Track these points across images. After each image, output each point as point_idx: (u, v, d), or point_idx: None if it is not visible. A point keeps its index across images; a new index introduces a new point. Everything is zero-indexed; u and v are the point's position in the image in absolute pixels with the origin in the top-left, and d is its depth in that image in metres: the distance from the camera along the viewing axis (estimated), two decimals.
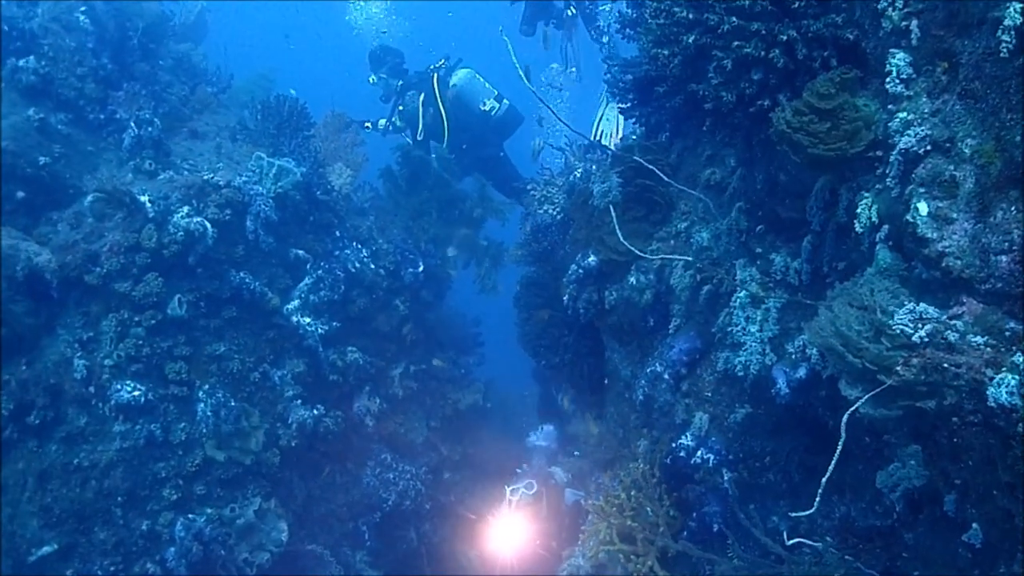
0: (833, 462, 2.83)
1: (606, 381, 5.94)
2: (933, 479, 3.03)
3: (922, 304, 2.70)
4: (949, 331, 2.59)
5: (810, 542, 3.70)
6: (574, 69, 8.67)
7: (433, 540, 8.34)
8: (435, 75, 8.46)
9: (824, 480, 2.86)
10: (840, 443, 2.82)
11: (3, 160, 6.19)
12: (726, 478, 4.37)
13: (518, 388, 10.52)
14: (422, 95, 8.46)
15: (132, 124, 6.70)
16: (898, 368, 2.60)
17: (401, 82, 8.64)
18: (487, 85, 8.53)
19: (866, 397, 2.71)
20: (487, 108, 8.39)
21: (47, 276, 5.79)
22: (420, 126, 8.42)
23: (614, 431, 5.85)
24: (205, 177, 6.47)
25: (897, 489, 3.20)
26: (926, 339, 2.60)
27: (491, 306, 9.67)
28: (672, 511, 4.79)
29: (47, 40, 6.91)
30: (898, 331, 2.65)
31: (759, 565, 3.80)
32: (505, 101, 8.51)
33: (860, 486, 3.80)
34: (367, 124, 8.77)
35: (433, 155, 8.52)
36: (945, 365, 2.53)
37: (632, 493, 4.97)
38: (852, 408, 2.76)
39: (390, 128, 8.71)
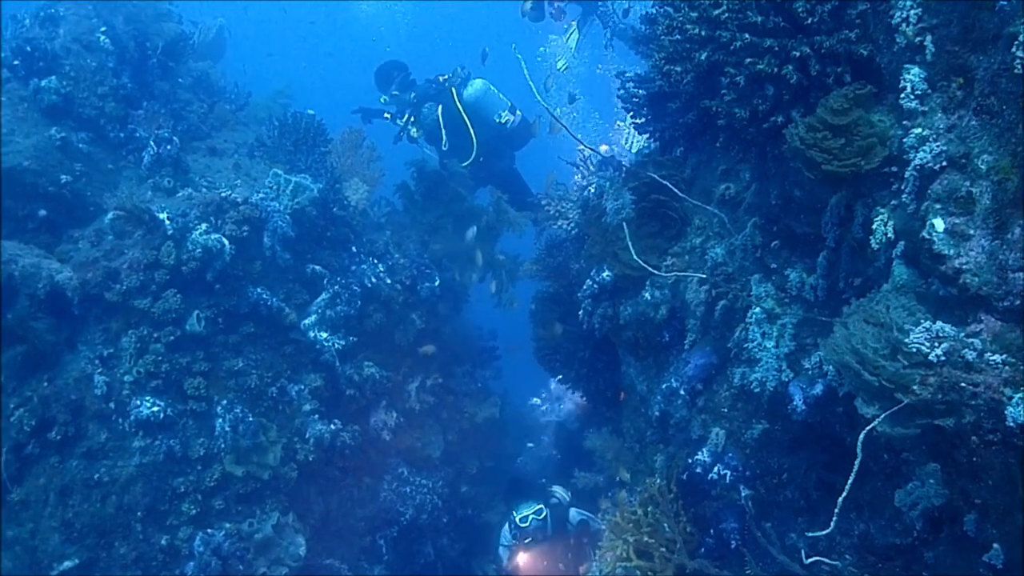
0: (850, 481, 2.80)
1: (622, 396, 5.93)
2: (953, 498, 2.99)
3: (939, 322, 2.68)
4: (967, 349, 2.57)
5: (828, 560, 3.66)
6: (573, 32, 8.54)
7: (450, 554, 8.32)
8: (452, 88, 8.48)
9: (841, 499, 2.84)
10: (857, 462, 2.80)
11: (26, 179, 6.30)
12: (743, 494, 4.35)
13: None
14: (440, 107, 8.48)
15: (151, 142, 6.78)
16: (915, 387, 2.58)
17: (414, 95, 8.66)
18: (501, 96, 8.55)
19: (883, 416, 2.69)
20: (503, 120, 8.41)
21: (68, 294, 5.86)
22: (444, 139, 8.43)
23: (631, 446, 5.83)
24: (223, 194, 6.53)
25: (916, 508, 3.16)
26: (943, 357, 2.58)
27: (508, 319, 9.70)
28: (689, 527, 4.76)
29: (68, 60, 7.03)
30: (914, 349, 2.63)
31: None
32: (518, 112, 8.53)
33: (879, 503, 3.77)
34: (387, 115, 8.75)
35: (447, 170, 8.55)
36: (963, 384, 2.51)
37: (649, 509, 4.94)
38: (869, 427, 2.74)
39: (403, 136, 8.69)
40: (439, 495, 8.03)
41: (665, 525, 4.84)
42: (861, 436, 2.77)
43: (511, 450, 9.53)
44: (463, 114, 8.34)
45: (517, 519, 6.54)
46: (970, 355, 2.57)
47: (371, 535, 7.75)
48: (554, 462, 8.71)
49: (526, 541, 6.55)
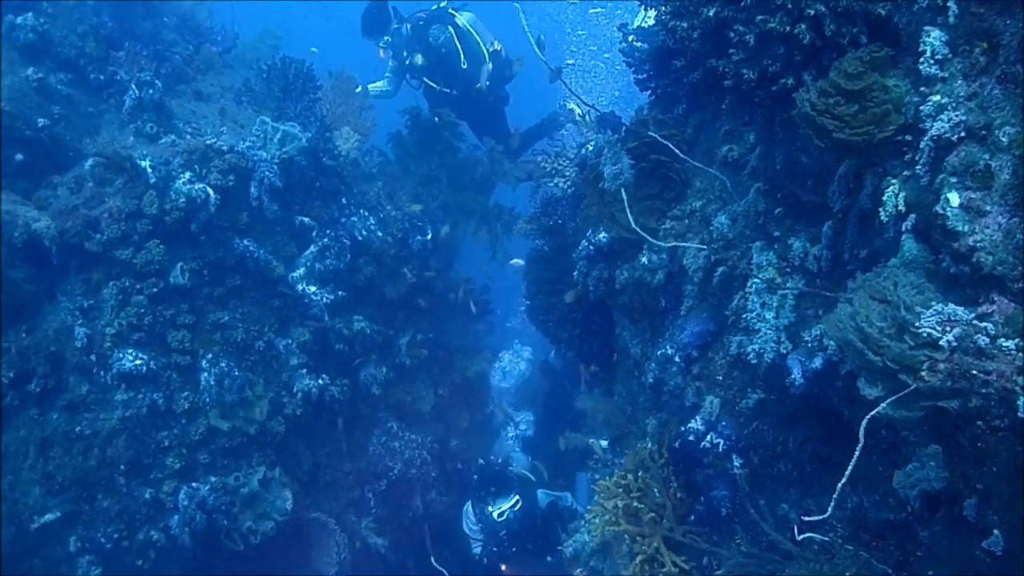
0: (849, 468, 2.71)
1: (615, 357, 5.83)
2: (953, 481, 2.90)
3: (951, 305, 2.55)
4: (979, 335, 2.44)
5: (820, 536, 3.60)
6: None
7: (439, 508, 8.32)
8: (452, 11, 8.23)
9: (840, 485, 2.74)
10: (859, 448, 2.69)
11: (2, 122, 6.06)
12: (736, 464, 4.27)
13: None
14: (450, 27, 8.20)
15: (133, 86, 6.53)
16: (923, 373, 2.46)
17: (408, 24, 8.33)
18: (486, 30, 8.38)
19: (887, 402, 2.57)
20: (497, 48, 8.22)
21: (46, 243, 5.68)
22: (462, 56, 8.16)
23: (622, 408, 5.75)
24: (208, 142, 6.31)
25: (915, 489, 3.07)
26: (955, 343, 2.46)
27: (502, 274, 9.58)
28: (680, 493, 4.70)
29: None
30: (925, 334, 2.51)
31: (767, 560, 3.71)
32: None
33: (875, 478, 3.68)
34: (381, 48, 8.49)
35: (442, 119, 8.31)
36: (974, 372, 2.39)
37: (640, 474, 4.88)
38: (872, 412, 2.63)
39: (396, 71, 8.34)
40: (428, 450, 8.00)
41: (655, 490, 4.78)
42: (864, 422, 2.66)
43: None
44: (474, 33, 8.08)
45: (494, 514, 6.48)
46: (983, 341, 2.44)
47: (359, 488, 7.72)
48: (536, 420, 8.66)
49: (502, 534, 6.51)
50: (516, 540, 6.55)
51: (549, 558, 6.55)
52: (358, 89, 8.14)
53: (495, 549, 6.55)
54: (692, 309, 4.48)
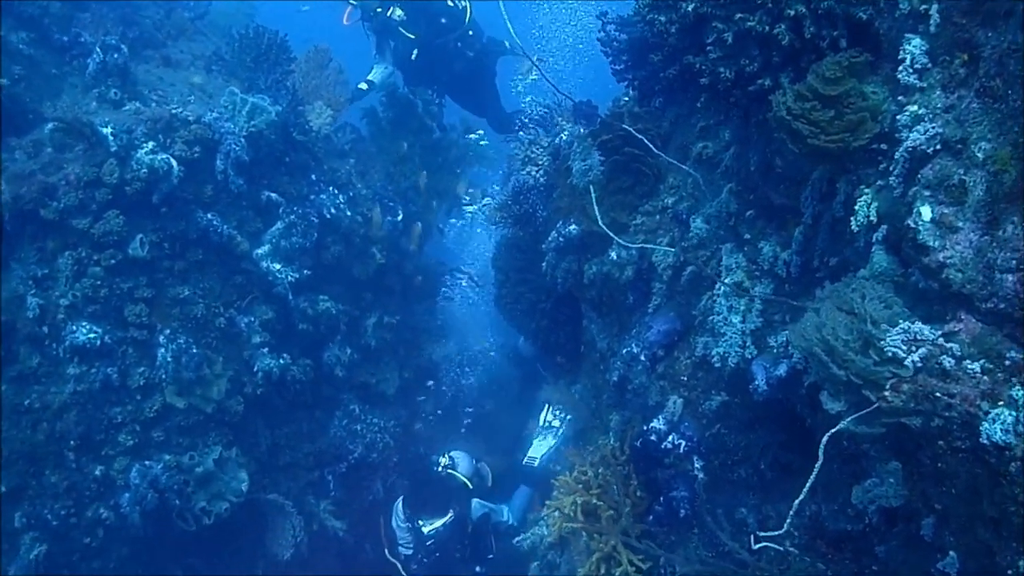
0: (808, 483, 2.65)
1: (582, 349, 5.76)
2: (912, 499, 2.86)
3: (917, 323, 2.49)
4: (944, 356, 2.38)
5: (776, 546, 3.56)
6: None
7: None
8: None
9: (797, 503, 2.68)
10: (817, 465, 2.63)
11: None
12: (697, 466, 4.23)
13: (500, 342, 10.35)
14: None
15: (98, 49, 6.30)
16: (886, 393, 2.40)
17: None
18: None
19: (850, 419, 2.52)
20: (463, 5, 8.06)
21: None
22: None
23: (587, 401, 5.70)
24: (173, 111, 6.12)
25: (873, 505, 3.03)
26: (919, 364, 2.40)
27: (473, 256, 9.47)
28: (640, 492, 4.66)
29: None
30: (890, 354, 2.44)
31: (722, 570, 3.67)
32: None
33: (834, 486, 3.64)
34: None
35: (419, 97, 8.14)
36: (938, 394, 2.33)
37: (600, 470, 4.83)
38: (834, 429, 2.57)
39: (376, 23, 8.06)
40: (391, 434, 7.90)
41: (615, 487, 4.74)
42: (824, 440, 2.60)
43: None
44: None
45: (425, 531, 6.37)
46: (948, 363, 2.38)
47: (319, 470, 7.63)
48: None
49: (429, 543, 6.42)
50: (443, 549, 6.44)
51: (478, 568, 6.46)
52: (362, 86, 7.93)
53: (424, 559, 6.44)
54: (660, 307, 4.41)
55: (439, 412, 8.30)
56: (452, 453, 6.73)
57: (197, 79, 7.06)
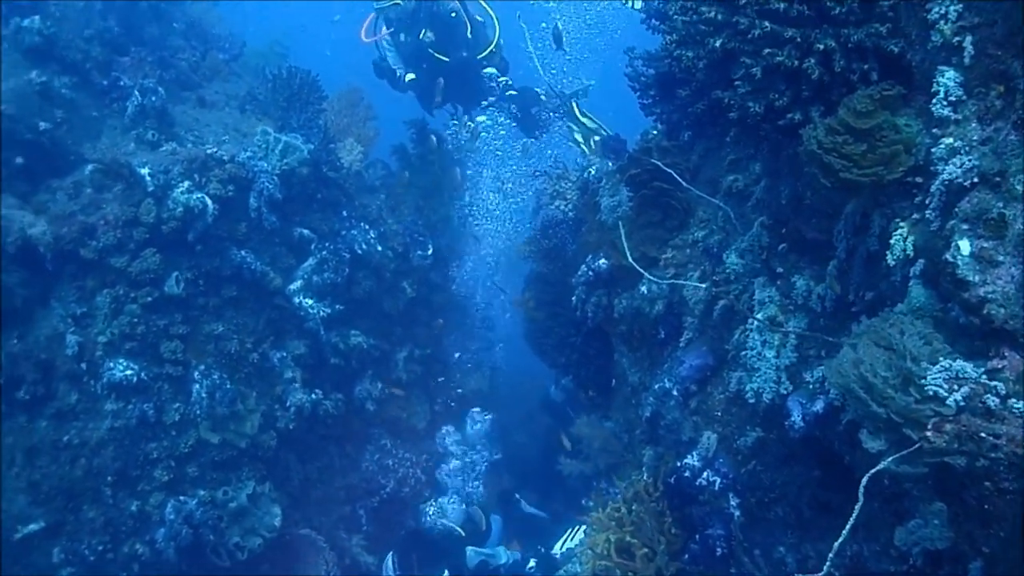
0: (848, 526, 2.58)
1: (613, 383, 5.71)
2: (958, 541, 2.78)
3: (959, 361, 2.43)
4: (989, 395, 2.32)
5: None
6: None
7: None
8: None
9: (837, 545, 2.61)
10: (857, 507, 2.57)
11: (2, 125, 5.98)
12: (732, 504, 4.15)
13: (528, 372, 10.27)
14: None
15: (136, 92, 6.46)
16: (928, 434, 2.34)
17: None
18: None
19: (891, 459, 2.46)
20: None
21: (41, 249, 5.61)
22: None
23: (619, 436, 5.64)
24: (208, 151, 6.24)
25: (917, 547, 2.95)
26: (962, 403, 2.34)
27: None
28: (674, 529, 4.58)
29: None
30: (931, 392, 2.39)
31: None
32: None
33: (875, 526, 3.55)
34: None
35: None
36: (983, 434, 2.27)
37: (633, 507, 4.76)
38: (874, 469, 2.51)
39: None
40: (422, 468, 7.88)
41: (649, 524, 4.66)
42: (864, 480, 2.54)
43: (501, 422, 9.33)
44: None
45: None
46: (992, 401, 2.32)
47: (351, 504, 7.63)
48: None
49: None
50: None
51: None
52: (410, 76, 7.90)
53: None
54: (691, 342, 4.36)
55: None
56: (439, 500, 6.65)
57: (232, 119, 7.20)
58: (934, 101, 2.75)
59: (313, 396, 6.78)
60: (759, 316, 3.70)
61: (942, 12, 2.75)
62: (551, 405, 7.83)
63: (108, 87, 6.68)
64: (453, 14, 7.87)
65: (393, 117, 8.55)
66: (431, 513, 6.49)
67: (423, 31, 7.85)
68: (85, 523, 5.82)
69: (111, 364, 5.79)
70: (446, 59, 7.88)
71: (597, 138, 7.00)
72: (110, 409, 5.83)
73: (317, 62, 8.10)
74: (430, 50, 7.92)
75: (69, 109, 6.46)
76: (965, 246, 2.61)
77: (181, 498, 6.02)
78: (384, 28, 8.05)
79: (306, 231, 6.84)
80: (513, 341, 8.67)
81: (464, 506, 6.69)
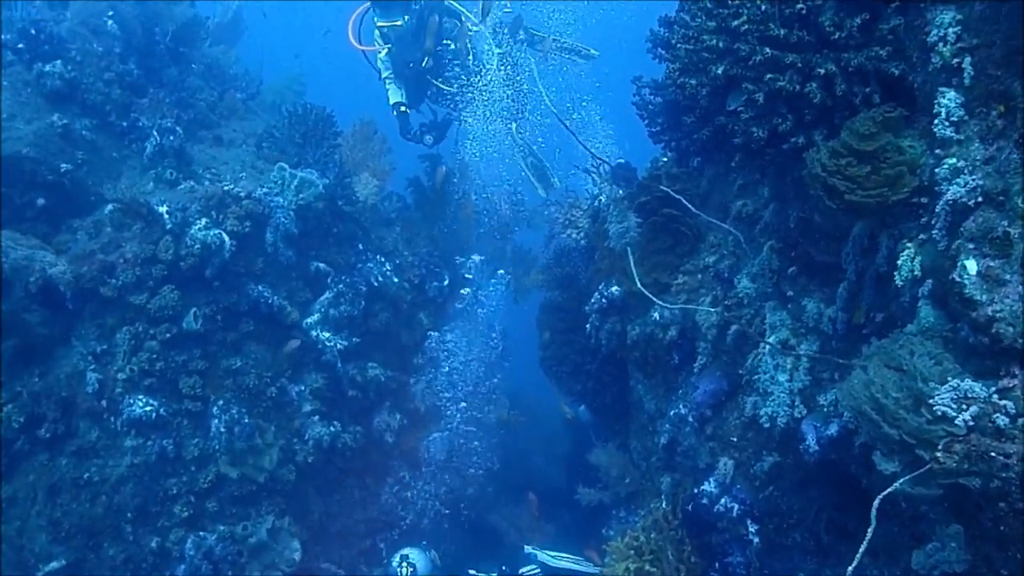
0: (861, 550, 2.55)
1: (630, 410, 5.69)
2: (976, 564, 2.74)
3: (967, 380, 2.41)
4: (998, 414, 2.30)
5: None
6: None
7: (453, 558, 8.14)
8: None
9: (851, 570, 2.58)
10: (870, 531, 2.54)
11: (25, 167, 6.12)
12: (751, 530, 4.11)
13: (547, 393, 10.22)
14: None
15: (154, 132, 6.60)
16: (938, 455, 2.32)
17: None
18: None
19: (903, 480, 2.43)
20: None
21: (61, 288, 5.70)
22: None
23: (637, 463, 5.61)
24: (225, 188, 6.33)
25: (935, 570, 2.90)
26: (971, 422, 2.32)
27: (519, 318, 9.44)
28: (694, 557, 4.53)
29: (75, 44, 6.85)
30: (940, 412, 2.37)
31: None
32: None
33: (894, 550, 3.51)
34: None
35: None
36: (993, 454, 2.25)
37: (652, 535, 4.72)
38: (887, 490, 2.49)
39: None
40: (441, 500, 7.84)
41: (669, 553, 4.62)
42: (876, 502, 2.52)
43: (519, 449, 9.29)
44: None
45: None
46: (1002, 420, 2.30)
47: (371, 537, 7.58)
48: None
49: None
50: None
51: None
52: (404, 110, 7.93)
53: None
54: (705, 367, 4.35)
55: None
56: (405, 552, 6.62)
57: (248, 156, 7.31)
58: (936, 122, 2.77)
59: (331, 429, 6.80)
60: (771, 340, 3.69)
61: (941, 34, 2.77)
62: (577, 423, 7.86)
63: (128, 128, 6.83)
64: (451, 45, 7.73)
65: (408, 151, 8.63)
66: (404, 567, 6.46)
67: (425, 60, 7.74)
68: (106, 560, 5.84)
69: (131, 401, 5.85)
70: (451, 88, 7.79)
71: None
72: (130, 445, 5.87)
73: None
74: (428, 76, 7.83)
75: (90, 150, 6.61)
76: (972, 265, 2.60)
77: (201, 534, 6.03)
78: (380, 43, 7.89)
79: (322, 265, 6.91)
80: (533, 366, 8.69)
81: (428, 553, 6.69)
